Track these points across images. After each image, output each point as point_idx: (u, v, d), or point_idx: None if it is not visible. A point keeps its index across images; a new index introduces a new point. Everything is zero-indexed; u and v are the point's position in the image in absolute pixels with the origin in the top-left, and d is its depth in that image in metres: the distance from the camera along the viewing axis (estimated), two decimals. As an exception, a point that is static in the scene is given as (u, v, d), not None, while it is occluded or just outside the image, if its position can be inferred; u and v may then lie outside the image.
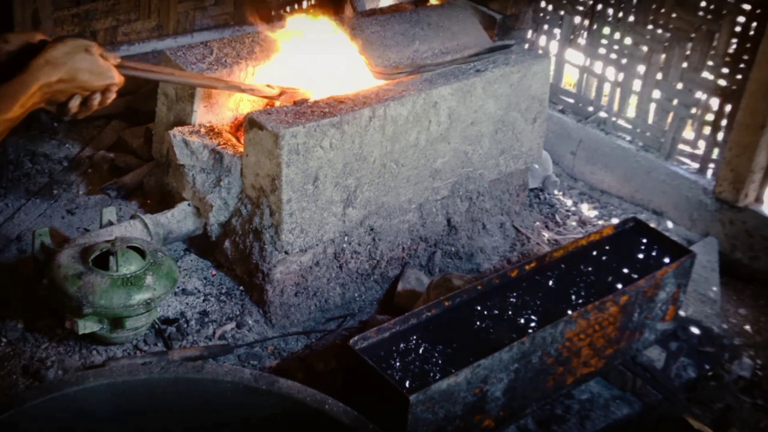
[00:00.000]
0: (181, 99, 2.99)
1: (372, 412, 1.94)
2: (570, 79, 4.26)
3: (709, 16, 3.35)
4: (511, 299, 2.53)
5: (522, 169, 3.39)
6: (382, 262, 3.02)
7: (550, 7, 3.92)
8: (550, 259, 2.69)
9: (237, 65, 2.99)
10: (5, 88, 1.81)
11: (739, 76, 3.28)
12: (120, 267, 2.46)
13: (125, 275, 2.46)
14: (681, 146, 3.57)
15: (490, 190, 3.27)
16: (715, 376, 2.78)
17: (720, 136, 3.40)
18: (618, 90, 3.73)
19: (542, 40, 3.99)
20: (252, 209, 2.76)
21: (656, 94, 3.61)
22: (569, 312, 2.44)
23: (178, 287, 2.79)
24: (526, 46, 3.98)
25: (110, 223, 2.77)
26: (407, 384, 2.19)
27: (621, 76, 3.70)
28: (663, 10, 3.48)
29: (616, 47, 3.69)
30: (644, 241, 2.83)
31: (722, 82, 3.36)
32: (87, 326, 2.47)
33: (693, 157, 3.55)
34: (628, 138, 3.72)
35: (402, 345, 2.32)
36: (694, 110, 3.48)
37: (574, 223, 3.58)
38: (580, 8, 3.81)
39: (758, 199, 3.37)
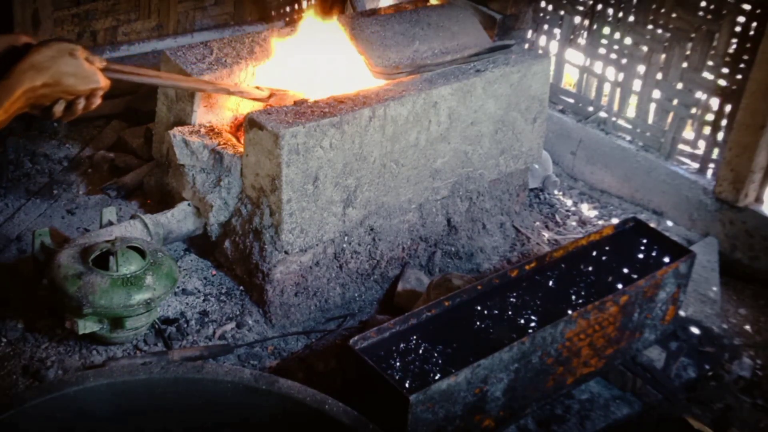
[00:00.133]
0: (181, 99, 2.98)
1: (372, 412, 1.95)
2: (570, 79, 4.26)
3: (709, 16, 3.34)
4: (511, 299, 2.53)
5: (522, 169, 3.39)
6: (382, 262, 3.02)
7: (550, 7, 3.92)
8: (550, 259, 2.69)
9: (237, 65, 2.99)
10: None
11: (739, 76, 3.28)
12: (120, 267, 2.46)
13: (125, 275, 2.45)
14: (681, 146, 3.57)
15: (490, 190, 3.27)
16: (715, 376, 2.78)
17: (720, 136, 3.40)
18: (618, 90, 3.73)
19: (542, 40, 3.99)
20: (252, 209, 2.76)
21: (656, 94, 3.60)
22: (569, 312, 2.44)
23: (178, 287, 2.79)
24: (526, 46, 3.97)
25: (110, 223, 2.77)
26: (407, 384, 2.19)
27: (621, 76, 3.70)
28: (663, 10, 3.48)
29: (616, 47, 3.69)
30: (644, 241, 2.83)
31: (722, 82, 3.35)
32: (87, 326, 2.47)
33: (693, 157, 3.55)
34: (628, 138, 3.72)
35: (402, 345, 2.32)
36: (694, 110, 3.48)
37: (574, 223, 3.58)
38: (580, 8, 3.81)
39: (758, 199, 3.36)
